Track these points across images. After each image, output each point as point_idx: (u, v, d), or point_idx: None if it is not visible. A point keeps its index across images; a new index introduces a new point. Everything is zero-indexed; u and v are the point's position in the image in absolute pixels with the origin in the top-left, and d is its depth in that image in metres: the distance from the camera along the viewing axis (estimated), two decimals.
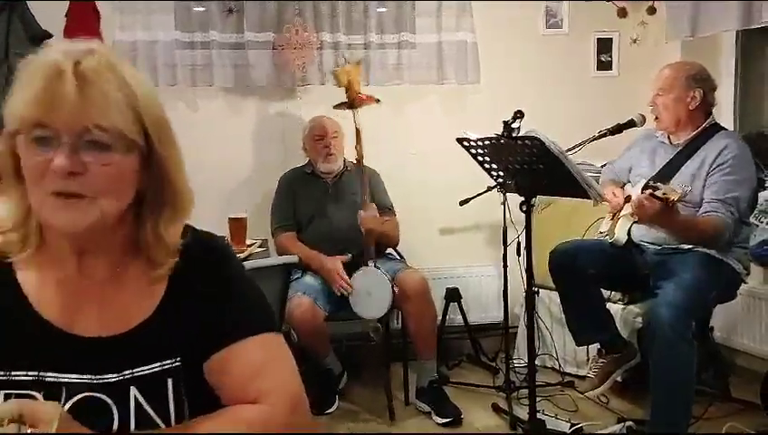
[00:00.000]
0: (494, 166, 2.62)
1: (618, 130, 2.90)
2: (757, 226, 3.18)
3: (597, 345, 2.99)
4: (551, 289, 3.14)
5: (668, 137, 2.92)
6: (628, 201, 2.89)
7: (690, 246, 2.73)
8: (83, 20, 3.28)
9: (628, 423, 2.80)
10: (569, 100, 3.88)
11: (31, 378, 0.99)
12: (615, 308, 3.14)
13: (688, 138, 2.85)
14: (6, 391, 0.98)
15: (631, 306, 3.20)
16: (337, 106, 3.25)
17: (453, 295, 3.71)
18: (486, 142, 2.53)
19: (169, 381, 1.02)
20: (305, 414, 1.07)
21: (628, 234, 2.88)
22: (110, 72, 0.96)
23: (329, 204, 3.35)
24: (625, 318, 3.17)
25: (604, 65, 3.99)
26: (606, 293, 3.10)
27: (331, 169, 3.39)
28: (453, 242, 3.88)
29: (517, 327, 3.59)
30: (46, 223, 0.99)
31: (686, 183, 2.69)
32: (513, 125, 2.44)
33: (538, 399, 2.65)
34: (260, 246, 3.06)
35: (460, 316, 3.71)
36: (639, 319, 3.13)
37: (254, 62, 3.54)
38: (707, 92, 2.82)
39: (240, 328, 1.06)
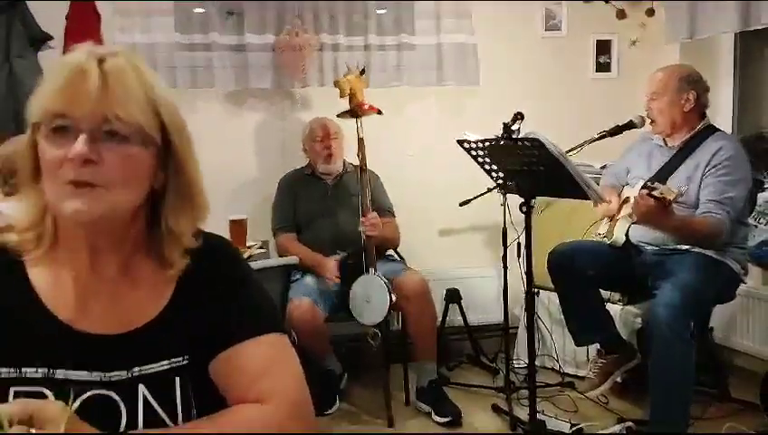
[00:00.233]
0: (494, 167, 2.63)
1: (617, 131, 2.91)
2: (756, 226, 3.19)
3: (597, 346, 3.00)
4: (550, 290, 3.15)
5: (664, 139, 2.93)
6: (626, 203, 2.90)
7: (688, 247, 2.74)
8: (84, 22, 3.29)
9: (628, 424, 2.80)
10: (568, 101, 3.89)
11: (41, 375, 0.99)
12: (614, 309, 3.15)
13: (683, 140, 2.86)
14: (16, 388, 0.98)
15: (630, 307, 3.20)
16: (340, 115, 3.26)
17: (453, 296, 3.71)
18: (486, 144, 2.54)
19: (177, 380, 1.03)
20: (309, 415, 1.08)
21: (627, 235, 2.89)
22: (133, 71, 0.99)
23: (329, 205, 3.36)
24: (624, 319, 3.17)
25: (603, 67, 4.00)
26: (605, 293, 3.11)
27: (331, 171, 3.39)
28: (453, 243, 3.89)
29: (517, 328, 3.60)
30: (60, 213, 0.99)
31: (682, 185, 2.70)
32: (513, 126, 2.45)
33: (538, 399, 2.65)
34: (260, 248, 3.06)
35: (460, 317, 3.72)
36: (639, 319, 3.14)
37: (254, 64, 3.55)
38: (701, 94, 2.84)
39: (246, 328, 1.07)
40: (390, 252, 3.46)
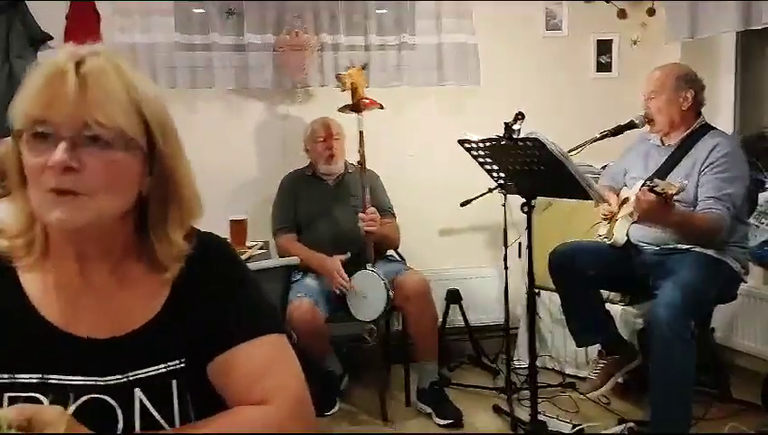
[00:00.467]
0: (495, 167, 2.62)
1: (618, 131, 2.91)
2: (757, 226, 3.19)
3: (598, 346, 2.99)
4: (551, 290, 3.14)
5: (661, 139, 2.94)
6: (625, 203, 2.90)
7: (688, 246, 2.73)
8: (84, 22, 3.29)
9: (630, 424, 2.80)
10: (569, 101, 3.89)
11: (35, 381, 0.99)
12: (615, 309, 3.14)
13: (680, 138, 2.86)
14: (11, 394, 0.97)
15: (631, 307, 3.20)
16: (341, 109, 3.25)
17: (453, 297, 3.71)
18: (487, 144, 2.53)
19: (174, 383, 1.02)
20: (309, 415, 1.07)
21: (627, 235, 2.89)
22: (114, 72, 0.96)
23: (330, 206, 3.35)
24: (625, 319, 3.17)
25: (604, 67, 4.00)
26: (605, 293, 3.10)
27: (333, 171, 3.39)
28: (453, 243, 3.89)
29: (518, 328, 3.60)
30: (44, 221, 0.98)
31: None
32: (514, 126, 2.44)
33: (539, 400, 2.64)
34: (260, 248, 3.06)
35: (461, 318, 3.71)
36: (640, 320, 3.13)
37: (255, 64, 3.55)
38: (698, 92, 2.85)
39: (244, 330, 1.06)
40: (391, 252, 3.46)
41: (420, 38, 3.71)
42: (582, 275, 2.85)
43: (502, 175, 2.63)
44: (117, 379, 1.00)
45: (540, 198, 2.69)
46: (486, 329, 3.78)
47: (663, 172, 2.81)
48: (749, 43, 3.62)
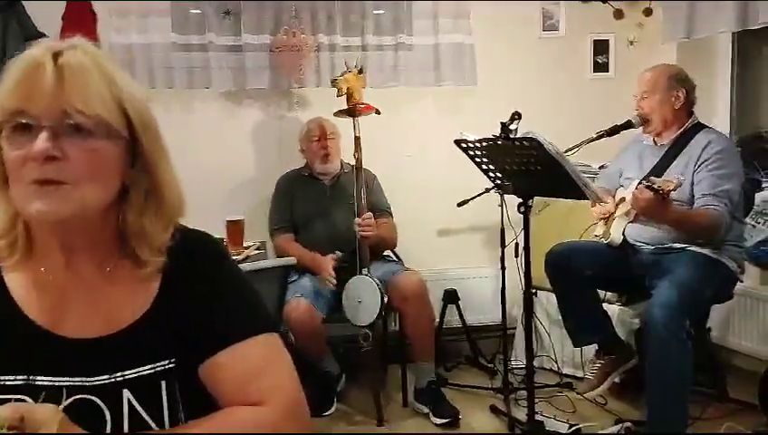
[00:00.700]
0: (492, 167, 2.63)
1: (615, 131, 2.92)
2: (754, 226, 3.19)
3: (595, 346, 2.99)
4: (548, 290, 3.14)
5: (654, 139, 2.94)
6: (622, 203, 2.91)
7: (684, 246, 2.73)
8: (80, 22, 3.28)
9: (627, 424, 2.80)
10: (566, 101, 3.89)
11: (20, 382, 0.97)
12: (612, 309, 3.15)
13: (673, 138, 2.87)
14: None
15: (628, 307, 3.20)
16: (337, 113, 3.25)
17: (451, 297, 3.71)
18: (484, 144, 2.54)
19: (163, 384, 1.00)
20: (304, 416, 1.06)
21: (624, 235, 2.89)
22: (92, 64, 0.95)
23: (326, 206, 3.35)
24: (622, 319, 3.17)
25: (600, 67, 4.00)
26: (602, 294, 3.10)
27: (328, 170, 3.39)
28: (450, 244, 3.89)
29: (515, 329, 3.60)
30: (26, 214, 0.95)
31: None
32: (511, 126, 2.44)
33: (536, 400, 2.65)
34: (257, 249, 3.06)
35: (458, 318, 3.71)
36: (637, 320, 3.13)
37: (251, 65, 3.54)
38: (689, 91, 2.86)
39: (235, 330, 1.04)
40: (388, 252, 3.45)
41: (417, 38, 3.71)
42: (579, 275, 2.85)
43: (499, 175, 2.64)
44: (104, 379, 0.98)
45: (537, 199, 2.70)
46: (483, 329, 3.78)
47: (657, 172, 2.81)
48: (745, 44, 3.62)
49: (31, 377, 0.98)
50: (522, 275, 2.62)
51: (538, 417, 2.68)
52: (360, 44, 3.64)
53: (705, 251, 2.71)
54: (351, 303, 3.06)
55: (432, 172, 3.73)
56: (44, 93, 0.91)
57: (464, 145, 2.61)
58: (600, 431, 2.82)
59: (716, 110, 3.61)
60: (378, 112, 3.23)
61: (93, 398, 0.98)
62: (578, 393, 3.09)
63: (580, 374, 3.29)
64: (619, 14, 3.81)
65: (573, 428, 2.81)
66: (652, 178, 2.60)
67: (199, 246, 1.09)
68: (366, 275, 3.05)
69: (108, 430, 0.98)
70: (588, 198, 2.49)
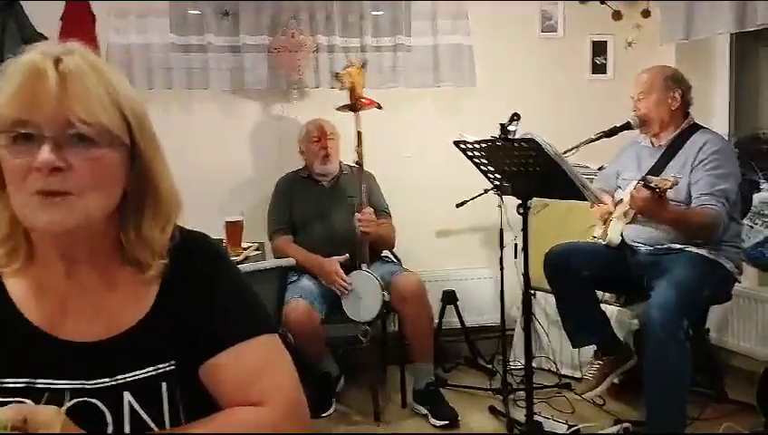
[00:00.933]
0: (491, 168, 2.63)
1: (613, 132, 2.93)
2: (752, 227, 3.20)
3: (593, 347, 2.99)
4: (547, 291, 3.14)
5: (651, 141, 2.95)
6: (620, 204, 2.91)
7: (682, 246, 2.74)
8: (79, 22, 3.28)
9: (625, 425, 2.80)
10: (564, 102, 3.90)
11: (22, 385, 0.97)
12: (611, 310, 3.15)
13: (670, 139, 2.88)
14: None
15: (626, 308, 3.20)
16: (339, 108, 3.25)
17: (449, 298, 3.71)
18: (483, 145, 2.54)
19: (164, 386, 1.00)
20: (304, 416, 1.07)
21: (622, 235, 2.89)
22: (91, 70, 0.94)
23: (326, 207, 3.35)
24: (621, 320, 3.18)
25: (599, 68, 4.00)
26: (600, 295, 3.11)
27: (328, 171, 3.39)
28: (449, 244, 3.89)
29: (514, 329, 3.60)
30: (30, 225, 0.94)
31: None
32: (510, 127, 2.45)
33: (535, 401, 2.65)
34: (256, 250, 3.05)
35: (457, 319, 3.71)
36: (635, 321, 3.14)
37: (250, 66, 3.54)
38: (685, 92, 2.88)
39: (234, 332, 1.04)
40: (386, 253, 3.45)
41: (416, 39, 3.71)
42: (577, 276, 2.85)
43: (497, 176, 2.64)
44: (105, 382, 0.98)
45: (536, 199, 2.70)
46: (482, 330, 3.78)
47: (655, 172, 2.82)
48: (744, 45, 3.63)
49: (32, 380, 0.97)
50: (520, 275, 2.62)
51: (537, 417, 2.69)
52: (358, 45, 3.64)
53: (703, 252, 2.72)
54: (351, 299, 3.05)
55: (431, 173, 3.73)
56: (47, 103, 0.90)
57: (463, 146, 2.61)
58: (599, 432, 2.83)
59: (715, 111, 3.61)
60: (379, 107, 3.23)
61: (94, 401, 0.98)
62: (576, 394, 3.09)
63: (578, 375, 3.30)
64: (617, 16, 3.81)
65: (572, 428, 2.81)
66: (649, 176, 2.61)
67: (198, 247, 1.09)
68: (366, 271, 3.05)
69: (109, 431, 0.98)
70: (586, 199, 2.49)
